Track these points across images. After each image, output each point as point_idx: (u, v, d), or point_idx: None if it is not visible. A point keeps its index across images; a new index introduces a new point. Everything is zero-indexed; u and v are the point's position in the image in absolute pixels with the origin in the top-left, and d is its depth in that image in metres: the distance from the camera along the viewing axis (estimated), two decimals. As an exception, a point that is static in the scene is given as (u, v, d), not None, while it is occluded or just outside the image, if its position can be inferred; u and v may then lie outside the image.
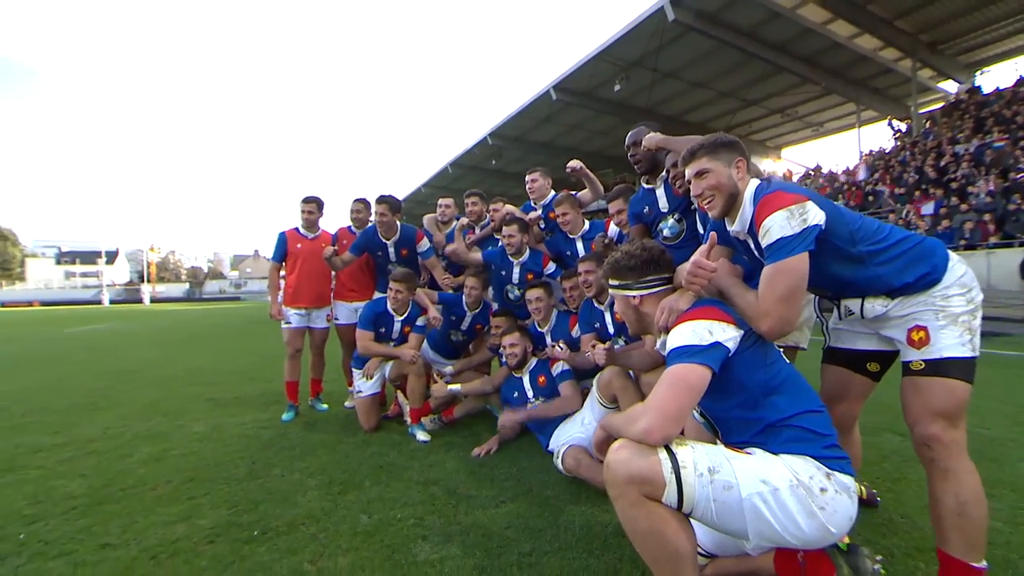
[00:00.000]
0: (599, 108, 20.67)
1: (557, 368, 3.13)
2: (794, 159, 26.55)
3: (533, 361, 3.22)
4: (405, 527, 2.08)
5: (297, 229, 4.22)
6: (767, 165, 27.09)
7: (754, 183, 1.58)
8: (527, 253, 3.71)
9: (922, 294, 1.51)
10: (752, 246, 1.61)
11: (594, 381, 2.76)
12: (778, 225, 1.43)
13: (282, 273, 4.27)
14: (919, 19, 15.39)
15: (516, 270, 3.74)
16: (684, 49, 16.57)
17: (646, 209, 2.73)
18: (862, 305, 1.59)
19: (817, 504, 1.26)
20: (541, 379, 3.14)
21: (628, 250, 1.72)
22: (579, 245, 3.53)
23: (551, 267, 3.69)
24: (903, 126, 18.69)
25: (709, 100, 20.86)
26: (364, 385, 3.55)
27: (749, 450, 1.38)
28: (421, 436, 3.28)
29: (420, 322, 3.68)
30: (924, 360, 1.49)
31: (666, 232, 2.65)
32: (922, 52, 16.56)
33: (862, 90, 18.67)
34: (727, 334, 1.41)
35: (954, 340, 1.47)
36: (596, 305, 3.07)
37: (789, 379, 1.45)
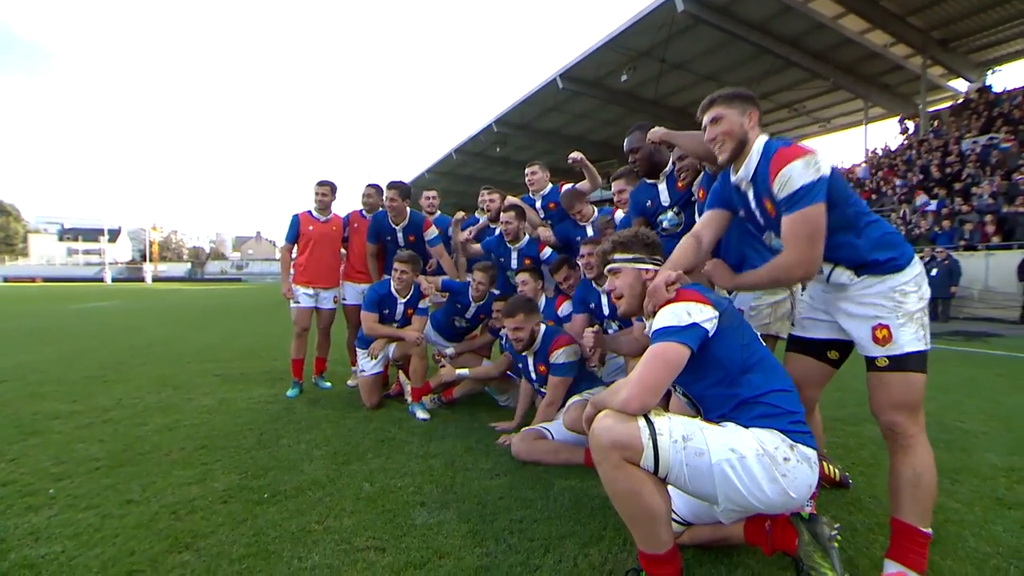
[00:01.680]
0: (606, 98, 20.60)
1: (556, 358, 2.98)
2: (800, 154, 26.30)
3: (539, 342, 3.06)
4: (405, 494, 2.22)
5: (310, 212, 4.33)
6: (773, 160, 26.89)
7: (763, 137, 1.70)
8: (525, 239, 3.85)
9: (882, 282, 1.62)
10: (751, 196, 1.73)
11: (562, 414, 2.83)
12: (798, 172, 1.53)
13: (294, 255, 4.40)
14: (931, 16, 15.26)
15: (514, 256, 3.89)
16: (693, 41, 16.47)
17: (648, 202, 2.84)
18: (831, 272, 1.69)
19: (780, 471, 1.39)
20: (541, 368, 3.08)
21: (640, 229, 1.87)
22: (589, 231, 3.65)
23: (547, 252, 3.81)
24: (911, 125, 18.61)
25: (717, 93, 20.71)
26: (368, 364, 3.69)
27: (723, 424, 1.51)
28: (421, 414, 3.42)
29: (423, 304, 3.80)
30: (888, 357, 1.61)
31: (665, 224, 2.76)
32: (933, 49, 16.43)
33: (871, 87, 18.56)
34: (704, 315, 1.52)
35: (911, 336, 1.60)
36: (594, 286, 3.14)
37: (763, 360, 1.58)
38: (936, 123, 17.42)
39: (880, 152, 18.75)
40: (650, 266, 1.78)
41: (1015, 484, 2.33)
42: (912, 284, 1.62)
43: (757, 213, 1.74)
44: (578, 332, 3.05)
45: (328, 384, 4.32)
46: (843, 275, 1.67)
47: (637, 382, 1.44)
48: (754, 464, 1.39)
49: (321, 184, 4.34)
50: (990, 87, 17.15)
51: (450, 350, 3.96)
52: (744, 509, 1.46)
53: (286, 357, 4.25)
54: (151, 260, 57.54)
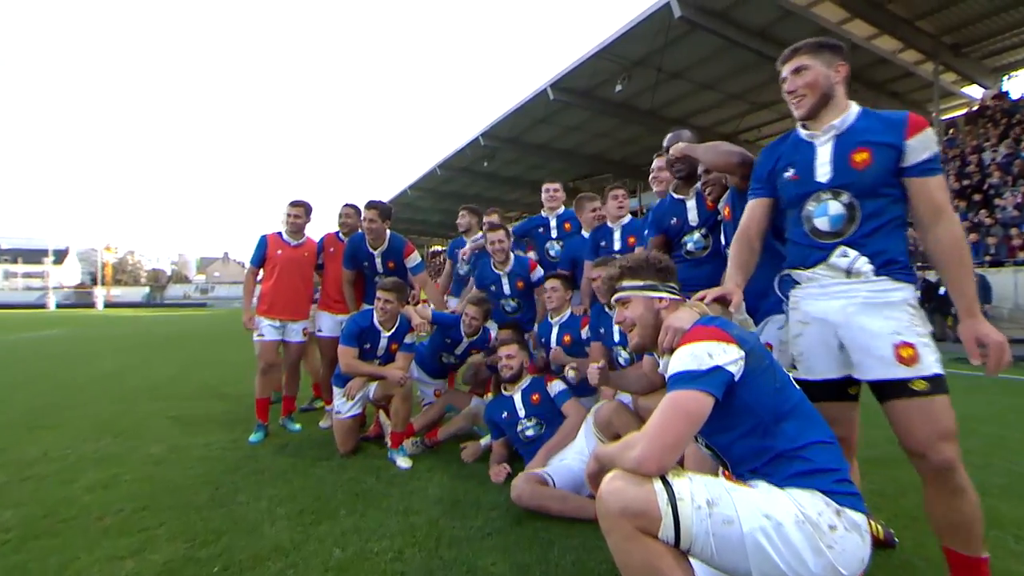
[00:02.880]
0: (599, 109, 20.89)
1: (555, 388, 3.15)
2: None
3: (527, 379, 3.23)
4: (383, 562, 2.06)
5: (280, 234, 4.24)
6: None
7: (857, 107, 1.75)
8: (512, 261, 3.89)
9: (898, 290, 1.64)
10: (826, 151, 1.73)
11: (590, 415, 2.78)
12: (931, 140, 1.62)
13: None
14: (942, 20, 15.74)
15: (505, 281, 3.89)
16: (691, 48, 16.81)
17: (673, 220, 2.76)
18: (855, 259, 1.69)
19: (825, 542, 1.26)
20: (535, 397, 3.15)
21: (653, 254, 1.79)
22: (616, 235, 3.59)
23: (538, 273, 3.85)
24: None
25: (717, 103, 21.14)
26: (344, 405, 3.53)
27: (752, 482, 1.39)
28: (402, 462, 3.27)
29: (409, 339, 3.68)
30: (924, 378, 1.56)
31: (690, 246, 2.70)
32: (945, 55, 16.90)
33: (880, 94, 19.01)
34: (728, 356, 1.41)
35: (935, 356, 1.59)
36: (607, 310, 3.09)
37: (799, 406, 1.47)
38: (952, 132, 17.83)
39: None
40: (664, 294, 1.69)
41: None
42: (915, 300, 1.67)
43: (825, 167, 1.73)
44: (595, 361, 3.09)
45: (298, 426, 4.15)
46: (865, 265, 1.67)
47: (653, 438, 1.32)
48: (794, 533, 1.26)
49: (294, 204, 4.25)
50: (1007, 93, 17.60)
51: (431, 391, 3.86)
52: None
53: (253, 395, 4.06)
54: (103, 284, 56.67)
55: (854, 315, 1.66)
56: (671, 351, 1.53)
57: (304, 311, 4.31)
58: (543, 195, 4.52)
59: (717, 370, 1.39)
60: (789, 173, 1.82)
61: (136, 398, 5.36)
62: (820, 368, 1.78)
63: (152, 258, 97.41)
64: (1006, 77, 18.31)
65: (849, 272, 1.69)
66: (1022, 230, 10.95)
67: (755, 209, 1.94)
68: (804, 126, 1.82)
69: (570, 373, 3.03)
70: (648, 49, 16.85)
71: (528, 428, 3.11)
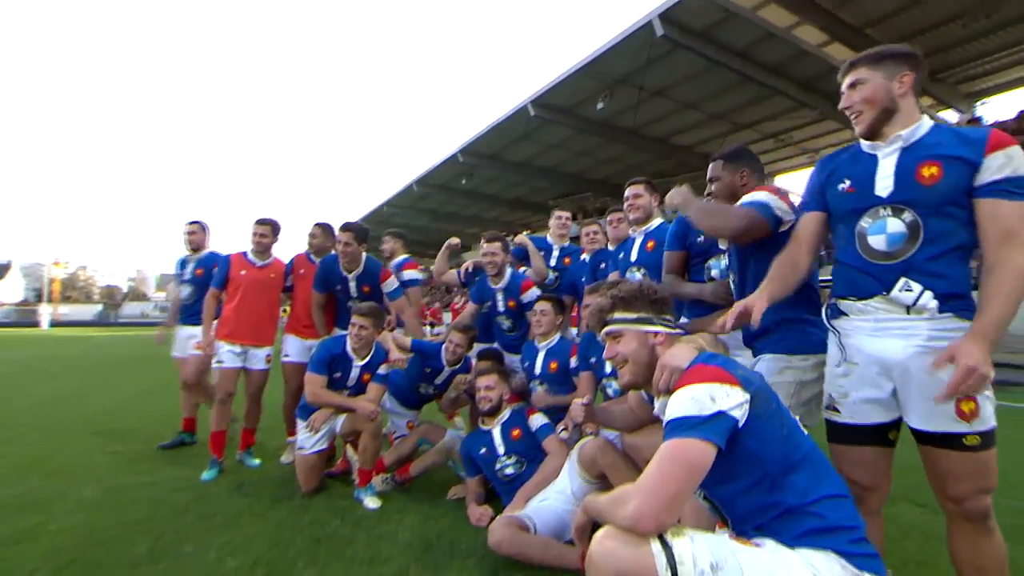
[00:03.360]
0: (580, 127, 21.20)
1: (536, 423, 3.02)
2: (787, 187, 27.65)
3: (507, 412, 3.09)
4: (345, 626, 1.86)
5: (245, 254, 4.09)
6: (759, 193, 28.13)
7: (929, 120, 1.65)
8: (507, 277, 3.83)
9: (961, 330, 1.49)
10: (889, 162, 1.63)
11: (574, 451, 2.65)
12: (1017, 160, 1.48)
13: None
14: (919, 45, 16.43)
15: (500, 298, 3.86)
16: (673, 67, 17.23)
17: (701, 238, 2.61)
18: (919, 295, 1.55)
19: None
20: (515, 432, 3.01)
21: (645, 282, 1.70)
22: (636, 244, 3.21)
23: (532, 293, 3.77)
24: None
25: (699, 122, 21.66)
26: (308, 440, 3.32)
27: (758, 541, 1.29)
28: (370, 503, 3.07)
29: (383, 370, 3.50)
30: (979, 433, 1.49)
31: (714, 271, 2.58)
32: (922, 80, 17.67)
33: (860, 117, 19.71)
34: (732, 400, 1.32)
35: (992, 406, 1.51)
36: (598, 338, 3.00)
37: (809, 455, 1.37)
38: (927, 156, 18.55)
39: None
40: (659, 328, 1.60)
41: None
42: None
43: (887, 181, 1.62)
44: (583, 392, 3.06)
45: (257, 461, 3.92)
46: (931, 301, 1.54)
47: (650, 492, 1.21)
48: None
49: (259, 223, 4.11)
50: (980, 119, 18.50)
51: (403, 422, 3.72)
52: None
53: (210, 427, 3.82)
54: (50, 301, 54.54)
55: (916, 358, 1.53)
56: (668, 392, 1.43)
57: (269, 336, 4.14)
58: (553, 221, 4.52)
59: (720, 416, 1.29)
60: (844, 185, 1.72)
61: (72, 431, 4.95)
62: (868, 412, 1.65)
63: (107, 273, 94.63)
64: (979, 103, 19.25)
65: (910, 308, 1.56)
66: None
67: (806, 223, 1.85)
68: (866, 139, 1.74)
69: (563, 434, 2.89)
70: (630, 67, 17.22)
71: (508, 466, 2.97)
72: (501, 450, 2.98)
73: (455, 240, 4.74)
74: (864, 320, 1.65)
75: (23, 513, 2.93)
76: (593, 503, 1.36)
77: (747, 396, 1.34)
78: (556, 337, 3.45)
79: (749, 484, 1.34)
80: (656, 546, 1.19)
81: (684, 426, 1.29)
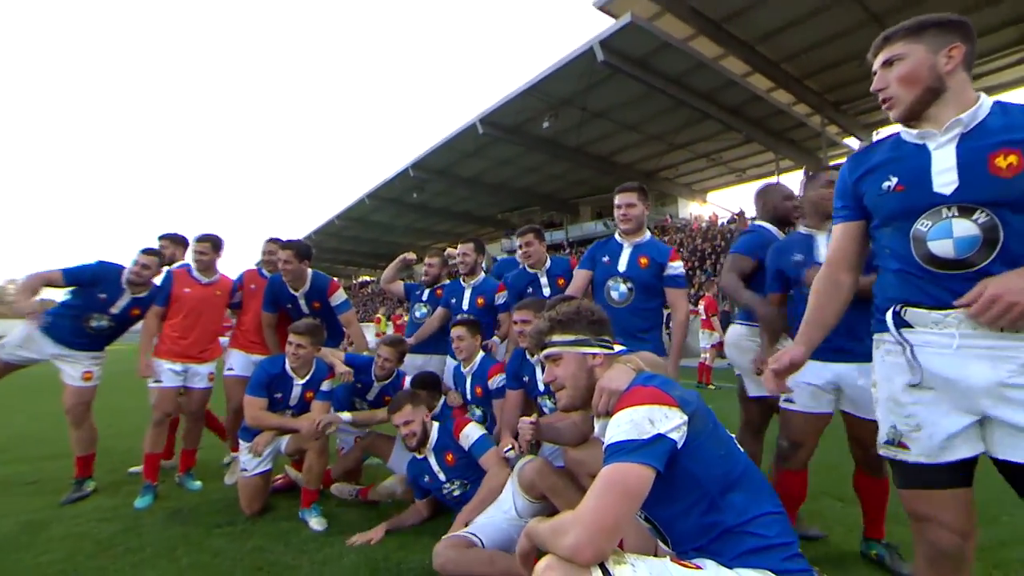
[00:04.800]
0: (528, 144, 21.47)
1: (468, 438, 2.82)
2: (719, 203, 28.91)
3: (434, 435, 2.91)
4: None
5: (189, 269, 3.80)
6: (693, 208, 29.24)
7: (988, 98, 1.35)
8: (480, 276, 3.80)
9: None
10: (947, 153, 1.32)
11: (514, 473, 2.56)
12: None
13: None
14: (825, 80, 17.70)
15: (467, 294, 3.76)
16: (613, 91, 17.74)
17: (796, 256, 2.41)
18: None
19: None
20: (449, 457, 2.84)
21: (583, 303, 1.62)
22: (625, 254, 3.02)
23: (503, 297, 3.68)
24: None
25: (638, 142, 22.37)
26: (251, 462, 3.08)
27: (699, 562, 1.25)
28: (315, 524, 2.86)
29: (325, 387, 3.30)
30: None
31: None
32: (828, 110, 19.01)
33: (780, 141, 20.94)
34: (671, 422, 1.27)
35: None
36: (528, 357, 2.90)
37: (747, 473, 1.34)
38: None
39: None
40: (597, 349, 1.54)
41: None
42: None
43: (949, 176, 1.31)
44: (511, 410, 2.90)
45: (198, 484, 3.61)
46: None
47: (588, 524, 1.15)
48: None
49: (199, 240, 3.82)
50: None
51: (346, 415, 3.39)
52: None
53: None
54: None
55: (1013, 380, 1.23)
56: (608, 414, 1.37)
57: (214, 352, 3.86)
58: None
59: (659, 439, 1.24)
60: (890, 183, 1.40)
61: (-6, 457, 4.45)
62: (947, 446, 1.32)
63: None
64: (875, 133, 20.94)
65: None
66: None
67: (843, 236, 1.55)
68: (909, 126, 1.43)
69: (510, 454, 2.72)
70: (573, 89, 17.59)
71: (454, 490, 2.84)
72: (442, 477, 2.85)
73: (411, 255, 4.54)
74: (939, 335, 1.32)
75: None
76: (535, 531, 1.28)
77: (685, 417, 1.29)
78: (477, 361, 3.30)
79: (688, 505, 1.31)
80: (597, 574, 1.14)
81: (623, 450, 1.24)
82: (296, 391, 3.23)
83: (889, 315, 1.41)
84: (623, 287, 2.93)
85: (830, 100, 18.93)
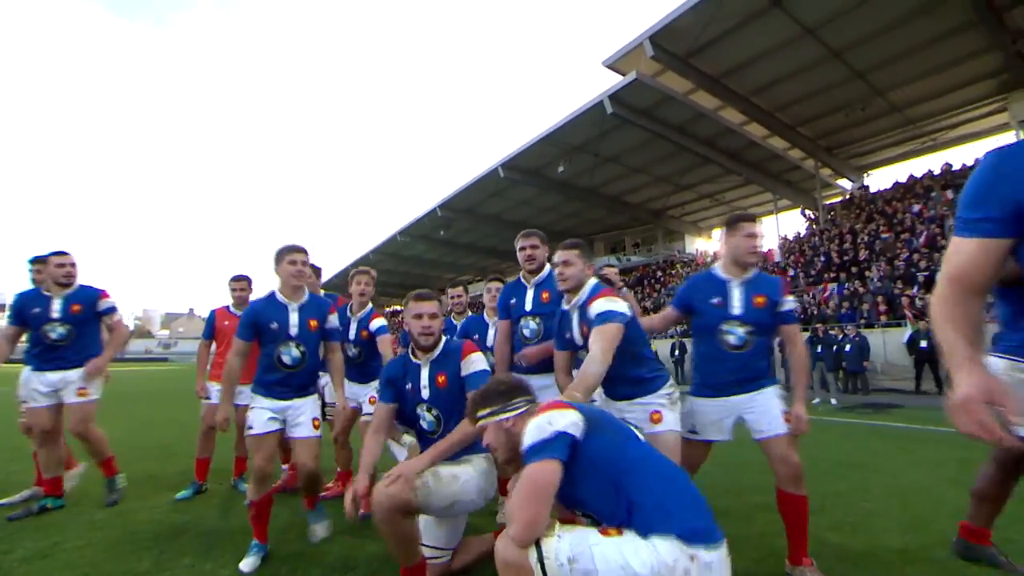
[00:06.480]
0: (544, 186, 21.98)
1: (472, 364, 2.38)
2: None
3: (440, 346, 2.44)
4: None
5: (228, 307, 4.30)
6: (700, 244, 29.28)
7: None
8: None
9: None
10: None
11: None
12: None
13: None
14: (817, 127, 17.91)
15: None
16: (622, 138, 18.22)
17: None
18: None
19: None
20: (440, 378, 2.37)
21: (493, 380, 1.89)
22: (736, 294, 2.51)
23: (378, 323, 3.56)
24: (812, 215, 21.11)
25: (646, 183, 22.70)
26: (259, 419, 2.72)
27: (625, 532, 1.43)
28: (320, 531, 2.84)
29: (376, 324, 3.54)
30: None
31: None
32: (821, 154, 19.14)
33: (777, 182, 21.04)
34: (567, 419, 1.49)
35: None
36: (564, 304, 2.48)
37: (648, 456, 1.55)
38: (832, 214, 19.86)
39: (791, 239, 20.96)
40: (510, 414, 1.70)
41: (906, 566, 2.44)
42: None
43: None
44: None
45: (246, 486, 4.01)
46: None
47: (517, 520, 1.44)
48: None
49: (236, 279, 4.31)
50: (867, 187, 20.05)
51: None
52: None
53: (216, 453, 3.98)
54: (59, 340, 52.07)
55: None
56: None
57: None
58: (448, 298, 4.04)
59: (559, 436, 1.46)
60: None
61: (83, 459, 4.94)
62: None
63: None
64: (867, 174, 20.96)
65: None
66: (887, 296, 12.11)
67: (978, 253, 1.05)
68: None
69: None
70: (586, 137, 18.12)
71: (427, 416, 2.39)
72: (425, 394, 2.38)
73: None
74: None
75: (43, 533, 3.01)
76: (509, 503, 1.54)
77: (581, 416, 1.50)
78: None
79: (597, 489, 1.48)
80: (533, 552, 1.40)
81: (531, 452, 1.46)
82: (294, 318, 2.80)
83: None
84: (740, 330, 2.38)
85: (822, 145, 19.08)
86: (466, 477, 2.14)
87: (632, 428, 1.74)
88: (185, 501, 3.68)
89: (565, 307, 2.36)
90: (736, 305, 2.37)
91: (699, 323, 2.49)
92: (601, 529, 1.47)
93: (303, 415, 2.80)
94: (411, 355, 2.46)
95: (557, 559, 1.38)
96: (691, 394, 2.48)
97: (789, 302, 2.42)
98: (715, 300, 2.42)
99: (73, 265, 3.59)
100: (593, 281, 2.25)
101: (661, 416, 2.20)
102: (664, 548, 1.36)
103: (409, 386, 2.43)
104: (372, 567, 2.51)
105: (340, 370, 3.06)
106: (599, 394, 2.39)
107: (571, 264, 2.26)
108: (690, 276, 3.05)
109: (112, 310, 3.77)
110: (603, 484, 1.49)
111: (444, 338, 2.48)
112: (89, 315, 3.63)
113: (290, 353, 2.78)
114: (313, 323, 2.88)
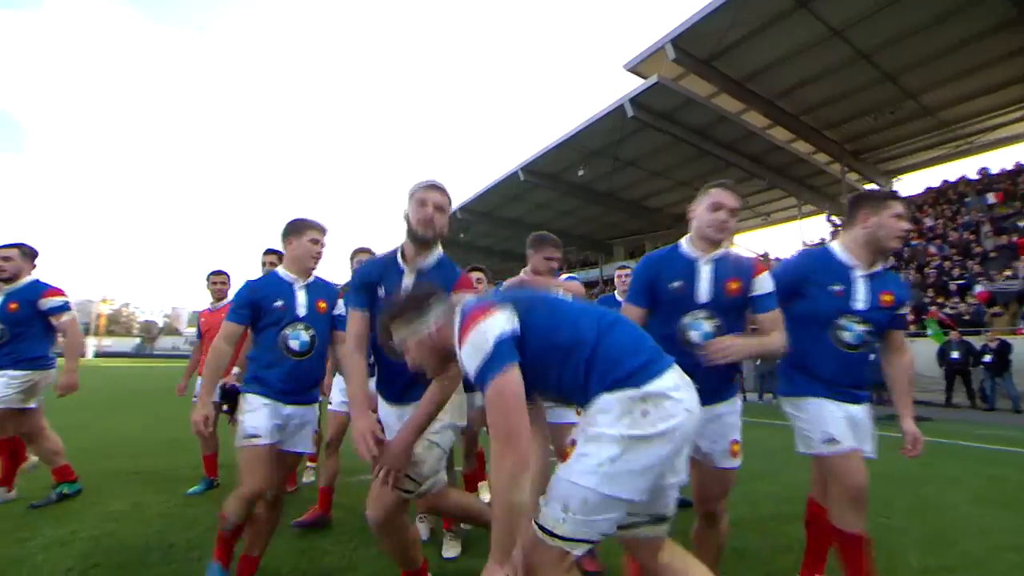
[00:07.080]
0: (564, 190, 21.94)
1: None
2: (746, 245, 28.32)
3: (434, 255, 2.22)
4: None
5: (209, 308, 4.24)
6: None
7: None
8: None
9: None
10: None
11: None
12: None
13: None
14: (844, 131, 17.44)
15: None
16: (643, 141, 18.07)
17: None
18: None
19: (649, 430, 1.26)
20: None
21: (399, 295, 1.74)
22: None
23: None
24: (838, 220, 20.55)
25: (666, 188, 22.45)
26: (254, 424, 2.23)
27: (576, 439, 1.35)
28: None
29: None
30: None
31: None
32: (848, 159, 18.63)
33: (801, 187, 20.58)
34: (500, 321, 1.35)
35: None
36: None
37: (586, 309, 1.46)
38: (860, 220, 19.36)
39: (815, 245, 20.48)
40: (428, 322, 1.52)
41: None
42: None
43: None
44: None
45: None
46: None
47: (501, 440, 1.27)
48: (626, 451, 1.25)
49: (215, 274, 4.22)
50: (896, 192, 19.47)
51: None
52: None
53: (225, 448, 4.02)
54: (96, 334, 54.30)
55: None
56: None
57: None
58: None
59: (500, 342, 1.31)
60: None
61: (102, 452, 5.11)
62: None
63: (146, 310, 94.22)
64: (895, 179, 20.31)
65: None
66: (914, 306, 11.72)
67: None
68: None
69: None
70: (605, 141, 18.03)
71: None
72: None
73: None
74: None
75: (61, 521, 3.09)
76: (493, 489, 1.35)
77: (508, 308, 1.38)
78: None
79: (557, 365, 1.38)
80: (539, 534, 1.28)
81: (482, 371, 1.31)
82: (301, 296, 2.37)
83: None
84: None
85: (849, 149, 18.58)
86: (438, 428, 1.90)
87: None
88: (196, 496, 3.75)
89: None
90: (860, 299, 2.07)
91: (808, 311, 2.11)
92: (563, 457, 1.39)
93: (306, 427, 2.41)
94: (400, 257, 2.10)
95: (556, 519, 1.28)
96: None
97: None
98: (837, 288, 2.08)
99: (6, 259, 3.26)
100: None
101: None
102: (614, 406, 1.29)
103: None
104: (373, 567, 2.51)
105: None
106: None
107: (737, 213, 1.98)
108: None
109: (59, 310, 3.39)
110: (559, 357, 1.38)
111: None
112: (29, 314, 3.31)
113: (299, 337, 2.30)
114: (323, 304, 2.42)
